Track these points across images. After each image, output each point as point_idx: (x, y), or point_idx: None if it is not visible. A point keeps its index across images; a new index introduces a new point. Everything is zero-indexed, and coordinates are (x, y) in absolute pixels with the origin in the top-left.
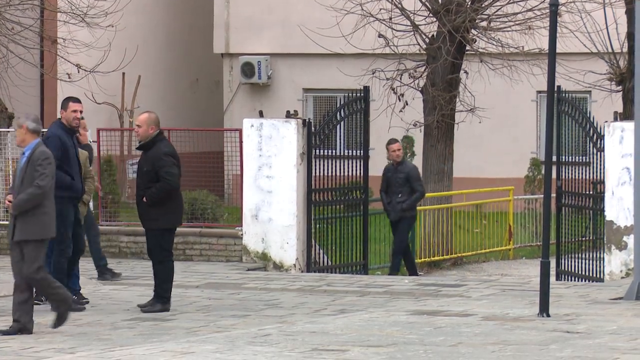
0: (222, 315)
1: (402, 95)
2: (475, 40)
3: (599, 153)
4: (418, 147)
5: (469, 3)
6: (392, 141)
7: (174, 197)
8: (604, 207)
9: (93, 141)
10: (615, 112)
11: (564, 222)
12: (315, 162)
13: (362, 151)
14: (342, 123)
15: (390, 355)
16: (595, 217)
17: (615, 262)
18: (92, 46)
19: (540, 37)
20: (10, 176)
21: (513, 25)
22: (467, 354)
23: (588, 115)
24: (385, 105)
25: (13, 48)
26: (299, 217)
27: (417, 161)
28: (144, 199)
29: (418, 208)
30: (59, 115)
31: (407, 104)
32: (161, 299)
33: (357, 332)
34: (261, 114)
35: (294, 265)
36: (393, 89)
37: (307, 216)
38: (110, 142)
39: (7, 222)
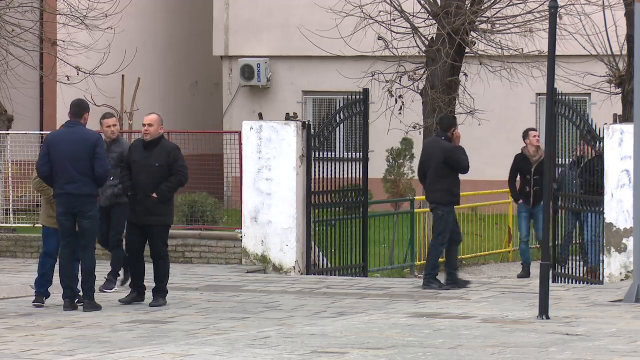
0: (221, 317)
1: (401, 97)
2: (475, 43)
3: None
4: (417, 150)
5: (469, 5)
6: (106, 116)
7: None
8: (603, 209)
9: None
10: (615, 115)
11: (561, 225)
12: (315, 164)
13: (361, 153)
14: (341, 125)
15: (389, 358)
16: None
17: (614, 264)
18: (92, 48)
19: (540, 39)
20: (10, 178)
21: (513, 28)
22: (466, 356)
23: (587, 118)
24: (385, 107)
25: (13, 50)
26: (298, 219)
27: (416, 164)
28: (154, 195)
29: (417, 211)
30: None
31: (403, 105)
32: (163, 293)
33: (357, 334)
34: (261, 117)
35: (294, 267)
36: (391, 93)
37: (306, 219)
38: None
39: (7, 225)
